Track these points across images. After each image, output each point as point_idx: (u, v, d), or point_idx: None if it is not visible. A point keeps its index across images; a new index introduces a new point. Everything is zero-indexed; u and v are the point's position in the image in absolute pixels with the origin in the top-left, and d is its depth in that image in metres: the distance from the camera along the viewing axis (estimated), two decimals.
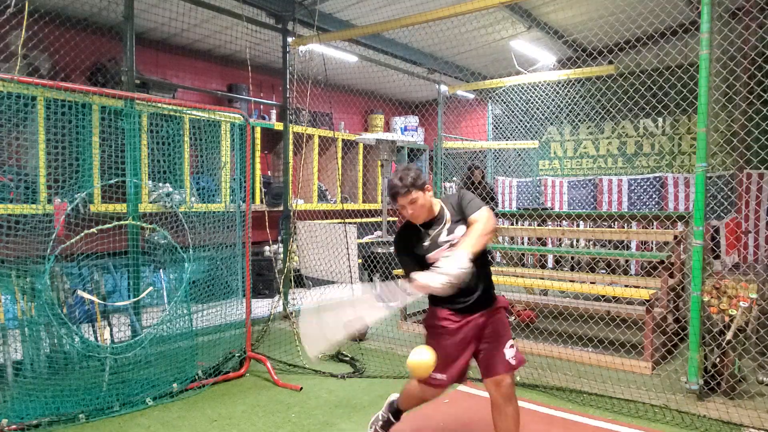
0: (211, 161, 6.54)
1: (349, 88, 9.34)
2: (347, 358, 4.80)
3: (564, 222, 8.09)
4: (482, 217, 2.59)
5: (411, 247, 2.77)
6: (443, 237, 2.71)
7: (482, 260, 2.70)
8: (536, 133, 9.95)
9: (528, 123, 9.60)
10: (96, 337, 4.27)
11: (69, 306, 4.14)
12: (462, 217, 2.71)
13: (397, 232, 2.88)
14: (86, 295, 4.16)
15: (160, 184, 5.40)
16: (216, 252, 4.67)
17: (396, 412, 3.14)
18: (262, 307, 6.39)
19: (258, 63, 7.98)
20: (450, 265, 2.35)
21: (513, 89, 8.97)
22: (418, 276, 2.42)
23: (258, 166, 7.59)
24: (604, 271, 7.14)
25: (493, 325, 2.75)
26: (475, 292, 2.70)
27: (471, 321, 2.71)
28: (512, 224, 8.37)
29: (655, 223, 6.38)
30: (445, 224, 2.74)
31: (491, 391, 2.75)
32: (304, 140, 8.06)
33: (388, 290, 2.54)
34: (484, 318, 2.73)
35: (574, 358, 4.83)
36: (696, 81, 3.80)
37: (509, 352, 2.71)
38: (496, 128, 10.49)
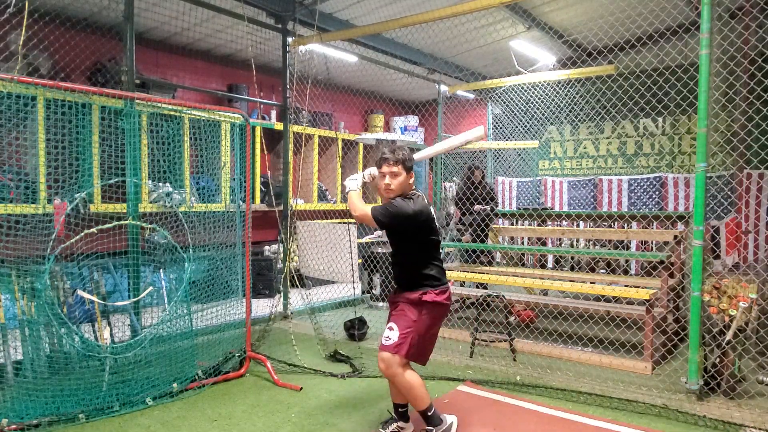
0: (211, 161, 6.54)
1: (349, 88, 9.34)
2: (343, 357, 4.80)
3: (564, 222, 8.09)
4: (366, 207, 3.14)
5: None
6: None
7: (408, 258, 3.15)
8: (536, 133, 9.95)
9: (528, 123, 9.60)
10: (96, 337, 4.27)
11: (69, 306, 4.14)
12: None
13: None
14: (86, 295, 4.16)
15: (160, 184, 5.40)
16: (216, 252, 4.67)
17: (394, 408, 3.31)
18: (262, 306, 6.39)
19: (258, 63, 7.98)
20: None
21: (513, 89, 8.96)
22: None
23: (258, 166, 7.58)
24: (604, 271, 7.14)
25: (396, 307, 3.18)
26: (398, 278, 3.23)
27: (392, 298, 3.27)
28: (512, 224, 8.38)
29: (655, 223, 6.39)
30: None
31: None
32: (303, 140, 8.06)
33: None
34: (397, 299, 3.21)
35: (574, 358, 4.83)
36: (696, 81, 3.80)
37: (386, 332, 3.09)
38: (496, 128, 10.49)
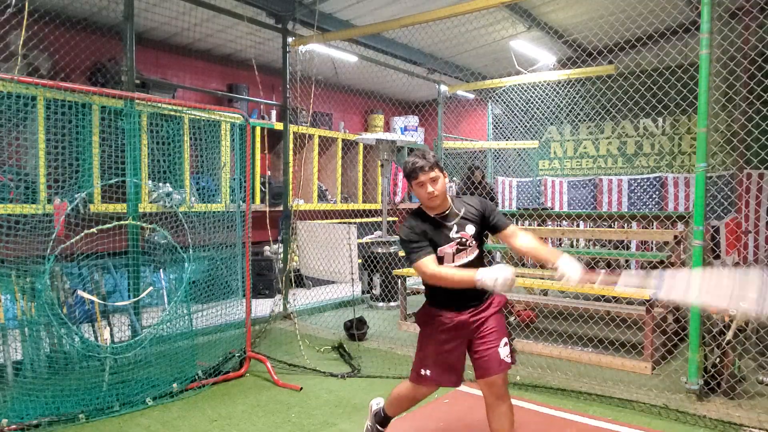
0: (211, 161, 6.53)
1: (349, 88, 9.34)
2: (346, 353, 4.80)
3: (564, 222, 8.08)
4: (522, 231, 2.72)
5: (427, 234, 2.70)
6: (453, 233, 2.70)
7: (481, 258, 2.75)
8: (536, 133, 9.95)
9: (528, 123, 9.60)
10: (96, 337, 4.26)
11: (69, 306, 4.14)
12: (477, 218, 2.72)
13: (412, 214, 2.79)
14: (86, 295, 4.16)
15: (160, 184, 5.40)
16: (216, 252, 4.67)
17: (383, 420, 3.10)
18: (262, 306, 6.39)
19: (258, 63, 7.99)
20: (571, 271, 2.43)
21: (513, 89, 8.96)
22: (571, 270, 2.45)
23: (258, 166, 7.58)
24: (604, 271, 7.13)
25: (489, 322, 2.71)
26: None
27: (468, 317, 2.70)
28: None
29: (655, 223, 6.38)
30: (455, 220, 2.71)
31: (484, 392, 2.74)
32: (306, 140, 8.06)
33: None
34: (482, 315, 2.72)
35: (574, 358, 4.83)
36: (696, 81, 3.79)
37: (503, 351, 2.68)
38: (496, 128, 10.49)
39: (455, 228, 2.70)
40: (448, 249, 2.69)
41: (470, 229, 2.70)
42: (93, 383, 3.77)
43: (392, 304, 7.07)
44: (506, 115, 9.87)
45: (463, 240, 2.69)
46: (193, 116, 5.36)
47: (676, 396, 3.88)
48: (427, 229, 2.70)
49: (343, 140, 8.92)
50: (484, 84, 8.43)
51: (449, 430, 3.45)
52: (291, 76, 6.54)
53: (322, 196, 8.62)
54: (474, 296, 2.69)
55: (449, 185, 10.04)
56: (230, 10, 5.92)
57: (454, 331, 2.71)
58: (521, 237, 2.72)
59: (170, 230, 4.27)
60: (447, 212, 2.73)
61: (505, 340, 2.70)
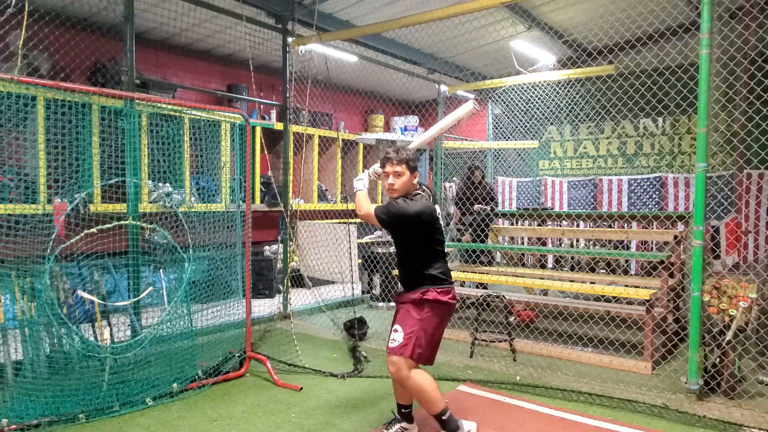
0: (211, 161, 6.54)
1: (349, 88, 9.34)
2: (361, 356, 4.81)
3: (564, 222, 8.09)
4: (371, 206, 3.16)
5: None
6: None
7: (411, 257, 3.14)
8: (536, 133, 9.95)
9: (528, 123, 9.60)
10: (96, 337, 4.26)
11: (69, 306, 4.14)
12: None
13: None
14: (86, 295, 4.16)
15: (160, 184, 5.40)
16: (216, 252, 4.67)
17: (398, 408, 3.28)
18: (262, 306, 6.39)
19: (258, 63, 7.99)
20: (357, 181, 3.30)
21: (513, 89, 8.96)
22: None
23: (258, 166, 7.58)
24: (604, 271, 7.14)
25: (399, 310, 3.18)
26: (403, 278, 3.23)
27: (399, 298, 3.24)
28: (512, 224, 8.37)
29: (655, 223, 6.39)
30: None
31: None
32: (304, 140, 8.06)
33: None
34: (401, 300, 3.19)
35: (574, 358, 4.83)
36: (696, 81, 3.79)
37: (392, 335, 3.06)
38: (496, 128, 10.48)
39: None
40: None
41: None
42: (93, 383, 3.77)
43: (392, 304, 7.07)
44: (506, 115, 9.87)
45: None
46: (193, 116, 5.36)
47: (676, 396, 3.88)
48: None
49: (343, 140, 8.92)
50: (484, 84, 8.43)
51: None
52: (291, 76, 6.54)
53: (322, 196, 8.62)
54: (404, 281, 3.19)
55: (450, 186, 10.06)
56: (230, 10, 5.92)
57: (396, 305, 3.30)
58: None
59: (170, 230, 4.27)
60: None
61: (397, 327, 3.06)
